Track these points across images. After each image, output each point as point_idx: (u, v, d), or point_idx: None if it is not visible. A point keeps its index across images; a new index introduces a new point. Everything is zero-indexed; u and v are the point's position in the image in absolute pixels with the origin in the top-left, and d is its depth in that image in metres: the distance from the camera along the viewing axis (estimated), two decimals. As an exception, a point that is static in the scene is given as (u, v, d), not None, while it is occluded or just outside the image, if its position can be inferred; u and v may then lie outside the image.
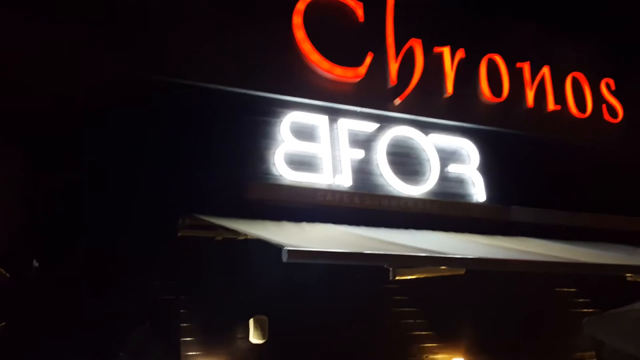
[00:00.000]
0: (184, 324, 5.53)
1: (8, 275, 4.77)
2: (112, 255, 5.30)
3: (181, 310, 5.57)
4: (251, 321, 5.59)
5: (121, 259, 5.39)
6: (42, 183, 5.13)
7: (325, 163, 6.36)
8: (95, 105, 5.23)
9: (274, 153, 6.17)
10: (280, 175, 6.14)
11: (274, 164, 6.14)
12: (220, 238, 5.75)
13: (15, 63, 5.21)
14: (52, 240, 5.04)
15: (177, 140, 5.77)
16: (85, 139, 5.34)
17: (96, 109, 5.26)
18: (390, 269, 4.45)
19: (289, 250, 3.93)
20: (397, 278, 4.47)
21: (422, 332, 6.31)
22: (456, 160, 7.11)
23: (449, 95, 7.16)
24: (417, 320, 6.27)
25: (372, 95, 6.77)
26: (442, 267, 4.80)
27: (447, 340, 6.39)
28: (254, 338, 5.59)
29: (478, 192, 7.11)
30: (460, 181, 7.09)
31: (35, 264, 4.87)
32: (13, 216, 4.91)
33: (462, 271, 5.09)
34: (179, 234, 5.59)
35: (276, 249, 4.21)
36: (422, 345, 6.29)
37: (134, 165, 5.54)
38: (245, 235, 5.54)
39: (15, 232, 4.88)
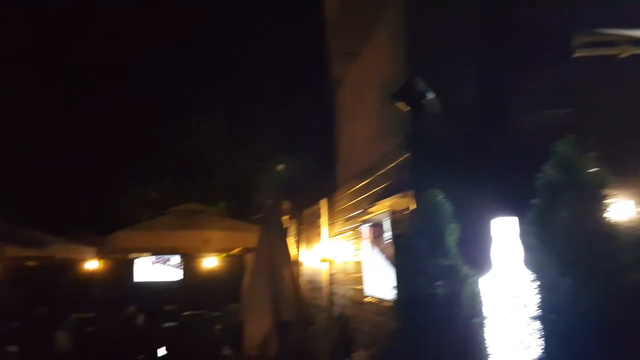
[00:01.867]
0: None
1: (409, 107, 4.92)
2: (504, 82, 5.01)
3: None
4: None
5: (511, 86, 5.08)
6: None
7: None
8: None
9: None
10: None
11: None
12: (625, 55, 4.89)
13: None
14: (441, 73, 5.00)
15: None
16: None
17: None
18: None
19: None
20: None
21: None
22: None
23: None
24: None
25: None
26: None
27: None
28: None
29: None
30: None
31: (431, 95, 4.89)
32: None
33: None
34: (575, 55, 4.93)
35: None
36: None
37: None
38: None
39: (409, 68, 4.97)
